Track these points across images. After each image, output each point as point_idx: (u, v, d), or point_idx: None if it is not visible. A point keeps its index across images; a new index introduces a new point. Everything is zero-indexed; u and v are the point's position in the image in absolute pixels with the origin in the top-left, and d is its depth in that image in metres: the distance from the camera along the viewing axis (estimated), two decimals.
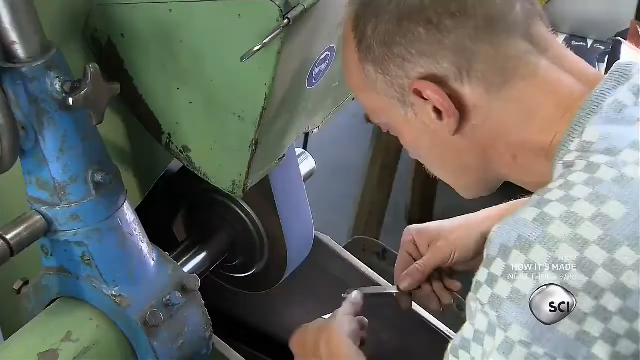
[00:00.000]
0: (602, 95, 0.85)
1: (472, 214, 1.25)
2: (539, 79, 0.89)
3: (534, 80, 0.89)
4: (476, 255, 1.20)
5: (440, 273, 1.25)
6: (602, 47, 2.32)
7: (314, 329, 1.18)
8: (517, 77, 0.88)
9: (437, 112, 0.91)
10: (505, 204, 1.22)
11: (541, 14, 0.92)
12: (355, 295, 1.23)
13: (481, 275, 0.81)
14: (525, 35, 0.89)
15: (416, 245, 1.25)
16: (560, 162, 0.85)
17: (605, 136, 0.83)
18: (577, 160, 0.82)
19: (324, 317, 1.22)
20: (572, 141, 0.84)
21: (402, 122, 0.95)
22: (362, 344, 1.17)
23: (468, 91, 0.89)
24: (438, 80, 0.89)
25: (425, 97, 0.90)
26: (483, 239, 1.18)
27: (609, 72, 0.88)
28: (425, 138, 0.95)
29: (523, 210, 0.81)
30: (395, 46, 0.90)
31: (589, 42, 2.36)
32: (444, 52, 0.88)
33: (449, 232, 1.23)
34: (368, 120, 1.01)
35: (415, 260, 1.24)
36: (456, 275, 1.26)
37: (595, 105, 0.85)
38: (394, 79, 0.92)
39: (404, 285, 1.23)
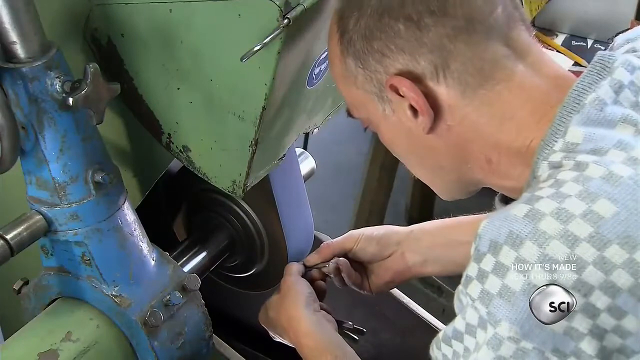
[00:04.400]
0: (583, 91, 0.85)
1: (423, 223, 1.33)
2: (515, 84, 0.89)
3: (509, 85, 0.89)
4: (375, 255, 1.29)
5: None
6: (602, 47, 2.32)
7: (272, 306, 1.24)
8: (494, 80, 0.88)
9: (413, 109, 0.91)
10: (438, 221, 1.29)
11: (524, 19, 0.92)
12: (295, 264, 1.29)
13: (471, 270, 0.81)
14: (505, 39, 0.89)
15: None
16: (545, 161, 0.85)
17: (589, 137, 0.83)
18: (565, 160, 0.83)
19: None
20: (555, 141, 0.84)
21: (380, 118, 0.96)
22: (321, 296, 1.24)
23: (443, 90, 0.89)
24: (414, 78, 0.89)
25: (402, 94, 0.90)
26: (388, 238, 1.28)
27: (590, 62, 0.88)
28: (401, 135, 0.96)
29: (514, 206, 0.81)
30: (375, 41, 0.90)
31: (589, 42, 2.36)
32: (422, 50, 0.88)
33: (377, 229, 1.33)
34: (349, 114, 1.02)
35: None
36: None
37: (576, 102, 0.85)
38: (373, 73, 0.92)
39: (309, 258, 1.31)
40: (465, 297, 0.82)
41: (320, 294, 1.25)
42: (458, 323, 0.84)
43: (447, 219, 1.30)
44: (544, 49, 0.96)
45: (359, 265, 1.30)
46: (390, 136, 0.98)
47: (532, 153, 0.87)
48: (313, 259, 1.31)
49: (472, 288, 0.81)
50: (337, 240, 1.32)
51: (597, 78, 0.86)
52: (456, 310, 0.85)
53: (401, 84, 0.89)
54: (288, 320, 1.19)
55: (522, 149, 0.88)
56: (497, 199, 1.00)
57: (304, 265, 1.29)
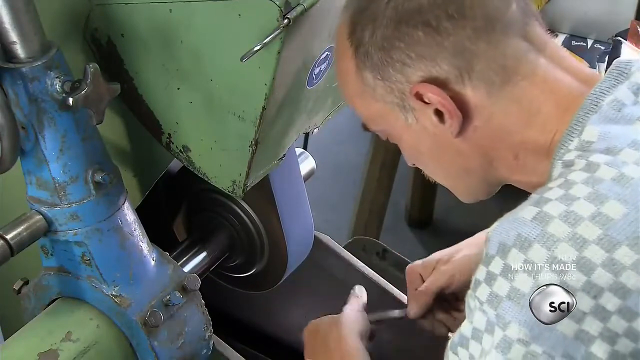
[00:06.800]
0: (601, 94, 0.85)
1: (472, 237, 1.26)
2: (539, 78, 0.89)
3: (534, 79, 0.89)
4: None
5: (447, 303, 1.25)
6: (602, 47, 2.32)
7: (325, 323, 1.21)
8: (518, 76, 0.89)
9: (438, 115, 0.91)
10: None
11: (536, 14, 0.92)
12: (358, 289, 1.26)
13: (480, 273, 0.81)
14: (523, 34, 0.89)
15: (423, 279, 1.25)
16: (559, 161, 0.85)
17: (604, 135, 0.83)
18: (577, 159, 0.82)
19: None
20: (571, 140, 0.84)
21: (402, 128, 0.95)
22: (371, 339, 1.21)
23: (470, 92, 0.89)
24: (439, 83, 0.89)
25: (426, 101, 0.90)
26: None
27: (608, 70, 0.88)
28: (426, 143, 0.95)
29: (522, 208, 0.81)
30: (394, 51, 0.89)
31: (589, 42, 2.36)
32: (444, 54, 0.88)
33: (450, 255, 1.24)
34: (365, 128, 1.01)
35: None
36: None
37: (594, 105, 0.85)
38: (394, 84, 0.91)
39: (413, 311, 1.24)
40: (474, 300, 0.82)
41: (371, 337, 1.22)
42: (465, 328, 0.84)
43: None
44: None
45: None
46: (413, 145, 0.97)
47: (554, 147, 0.87)
48: (414, 310, 1.23)
49: (480, 291, 0.81)
50: (430, 281, 1.23)
51: (615, 83, 0.86)
52: (466, 315, 0.85)
53: (427, 90, 0.89)
54: (337, 341, 1.16)
55: (546, 143, 0.88)
56: None
57: (406, 317, 1.23)
